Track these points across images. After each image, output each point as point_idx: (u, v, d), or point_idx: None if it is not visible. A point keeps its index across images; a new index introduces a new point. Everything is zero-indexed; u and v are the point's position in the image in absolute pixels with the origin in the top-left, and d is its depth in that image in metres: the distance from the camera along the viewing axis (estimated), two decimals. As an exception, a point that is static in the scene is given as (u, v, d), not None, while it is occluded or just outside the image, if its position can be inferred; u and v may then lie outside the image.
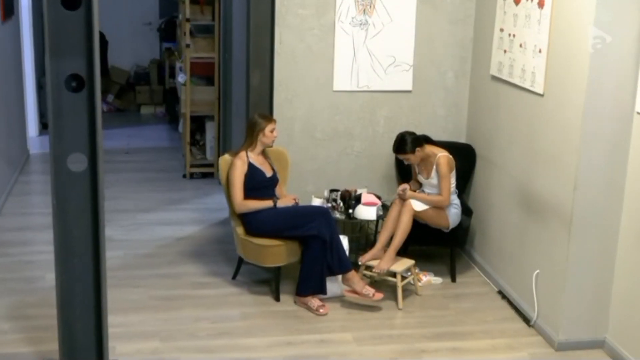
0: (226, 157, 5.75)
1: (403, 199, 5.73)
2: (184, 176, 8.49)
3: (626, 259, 4.79)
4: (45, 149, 8.80)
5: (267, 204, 5.51)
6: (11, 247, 6.36)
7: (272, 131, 5.58)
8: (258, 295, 5.65)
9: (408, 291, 5.75)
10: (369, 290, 5.44)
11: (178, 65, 9.47)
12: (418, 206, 5.73)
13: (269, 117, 5.68)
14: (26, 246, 6.39)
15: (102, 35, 10.81)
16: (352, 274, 5.49)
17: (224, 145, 8.16)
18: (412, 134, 5.81)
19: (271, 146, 5.73)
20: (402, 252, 5.79)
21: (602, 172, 4.75)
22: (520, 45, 5.43)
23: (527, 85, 5.34)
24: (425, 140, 5.85)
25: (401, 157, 5.87)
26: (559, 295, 5.00)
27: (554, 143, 5.02)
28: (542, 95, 5.16)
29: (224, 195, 5.81)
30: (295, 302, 5.53)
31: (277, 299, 5.56)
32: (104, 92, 11.18)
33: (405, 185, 5.80)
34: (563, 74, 4.89)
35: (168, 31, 11.48)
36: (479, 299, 5.75)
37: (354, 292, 5.48)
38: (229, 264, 6.03)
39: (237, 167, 5.51)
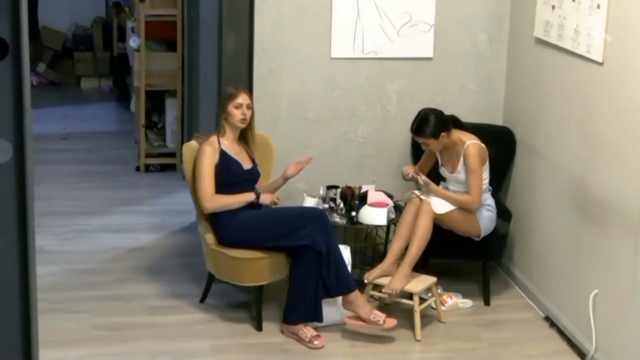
0: (192, 144, 5.74)
1: (419, 186, 5.74)
2: (138, 169, 8.49)
3: None
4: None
5: (246, 197, 5.51)
6: None
7: (237, 107, 5.53)
8: (234, 324, 5.65)
9: (428, 317, 5.75)
10: (379, 316, 5.44)
11: (129, 25, 9.45)
12: (440, 207, 5.73)
13: (236, 87, 5.62)
14: None
15: (30, -13, 10.78)
16: (356, 296, 5.50)
17: (189, 129, 8.16)
18: (439, 113, 5.80)
19: (242, 127, 5.64)
20: (421, 267, 5.80)
21: (680, 164, 4.76)
22: (573, 0, 5.44)
23: (581, 51, 5.34)
24: (453, 123, 5.85)
25: (420, 140, 5.85)
26: (623, 322, 5.00)
27: (617, 127, 5.02)
28: (601, 64, 5.16)
29: (189, 193, 5.80)
30: (282, 332, 5.54)
31: (259, 328, 5.56)
32: (34, 61, 11.16)
33: (409, 169, 5.83)
34: (629, 37, 4.89)
35: (116, -19, 11.49)
36: (520, 327, 5.76)
37: (359, 318, 5.49)
38: (196, 283, 6.03)
39: (206, 154, 5.50)
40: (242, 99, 5.54)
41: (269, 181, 5.88)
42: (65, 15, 12.07)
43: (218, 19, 6.69)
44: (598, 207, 5.25)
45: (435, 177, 5.95)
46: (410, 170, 5.91)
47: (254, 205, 5.55)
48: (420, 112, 5.83)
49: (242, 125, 5.59)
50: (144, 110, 8.52)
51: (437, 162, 6.00)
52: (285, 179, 5.73)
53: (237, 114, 5.52)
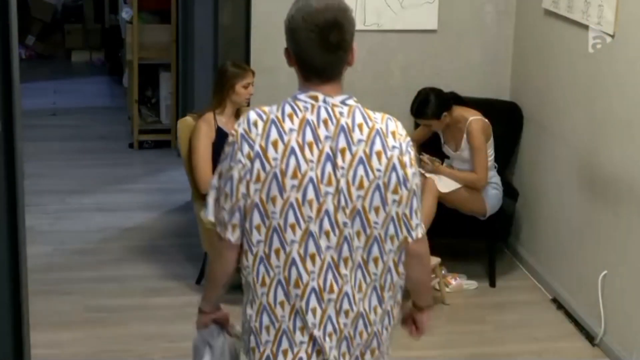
0: (187, 120, 5.75)
1: (428, 171, 5.75)
2: (131, 146, 8.49)
3: None
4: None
5: None
6: None
7: (245, 87, 5.57)
8: (231, 306, 5.62)
9: (433, 299, 5.76)
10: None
11: (122, -4, 9.43)
12: (445, 186, 5.74)
13: (243, 66, 5.67)
14: None
15: (19, -44, 10.75)
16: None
17: (184, 104, 8.15)
18: (439, 92, 5.81)
19: (247, 106, 5.72)
20: (424, 248, 5.80)
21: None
22: (584, -31, 5.43)
23: (592, 23, 5.34)
24: (454, 100, 5.85)
25: (422, 122, 5.88)
26: (633, 304, 5.02)
27: (628, 102, 5.02)
28: (612, 36, 5.15)
29: (184, 171, 5.81)
30: (280, 315, 5.54)
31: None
32: (22, 33, 11.13)
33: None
34: (641, 8, 4.89)
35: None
36: (526, 309, 5.79)
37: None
38: (192, 264, 6.04)
39: (201, 131, 5.51)
40: (250, 78, 5.60)
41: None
42: (55, -15, 12.04)
43: (214, -10, 6.69)
44: (608, 185, 5.25)
45: (438, 155, 5.96)
46: None
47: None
48: (419, 93, 5.83)
49: (247, 104, 5.65)
50: (137, 84, 8.50)
51: (439, 139, 6.01)
52: None
53: (244, 93, 5.58)
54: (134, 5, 8.32)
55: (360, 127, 3.09)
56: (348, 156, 3.01)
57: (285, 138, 3.00)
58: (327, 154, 3.00)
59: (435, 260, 5.74)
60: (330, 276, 3.05)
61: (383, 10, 6.23)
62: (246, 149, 3.03)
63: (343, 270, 3.06)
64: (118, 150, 8.41)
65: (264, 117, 3.05)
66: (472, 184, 5.80)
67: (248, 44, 6.19)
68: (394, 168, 3.05)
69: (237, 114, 5.66)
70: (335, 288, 3.06)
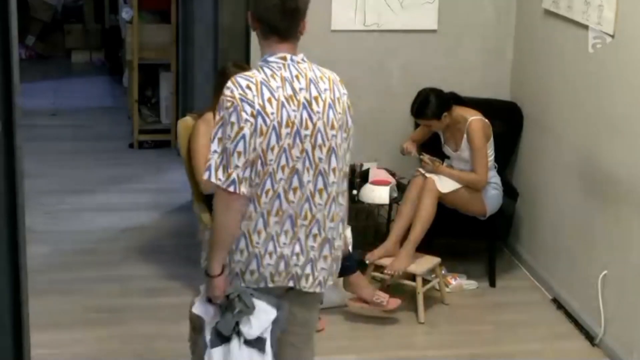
0: (187, 120, 5.75)
1: (428, 171, 5.76)
2: (131, 146, 8.49)
3: None
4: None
5: None
6: None
7: None
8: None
9: (432, 299, 5.77)
10: (382, 297, 5.46)
11: (122, -4, 9.43)
12: (445, 186, 5.74)
13: (244, 66, 5.66)
14: None
15: (19, -44, 10.74)
16: (357, 277, 5.51)
17: (184, 104, 8.15)
18: (439, 92, 5.81)
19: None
20: (424, 248, 5.80)
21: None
22: (584, -31, 5.43)
23: (592, 23, 5.33)
24: (454, 100, 5.86)
25: (422, 122, 5.88)
26: (633, 303, 5.01)
27: (629, 101, 5.02)
28: (612, 36, 5.15)
29: (184, 171, 5.80)
30: (280, 315, 5.55)
31: (257, 310, 5.57)
32: (22, 33, 11.13)
33: (410, 147, 5.86)
34: (641, 8, 4.89)
35: (108, -52, 11.46)
36: (526, 309, 5.79)
37: (361, 300, 5.50)
38: (192, 264, 6.02)
39: (201, 132, 5.51)
40: None
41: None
42: (55, -15, 12.03)
43: (214, -11, 6.69)
44: (608, 185, 5.25)
45: (438, 155, 5.96)
46: (412, 148, 5.93)
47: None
48: (419, 94, 5.83)
49: None
50: (137, 84, 8.50)
51: (439, 139, 6.01)
52: None
53: None
54: (134, 5, 8.32)
55: (322, 78, 3.65)
56: (320, 103, 3.60)
57: (276, 94, 3.51)
58: (303, 103, 3.56)
59: (435, 260, 5.74)
60: (306, 205, 3.59)
61: (383, 11, 6.23)
62: (248, 109, 3.47)
63: (318, 200, 3.61)
64: (118, 150, 8.41)
65: (253, 80, 3.53)
66: (472, 184, 5.80)
67: (248, 44, 6.19)
68: (346, 111, 3.73)
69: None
70: (309, 215, 3.60)
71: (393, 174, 6.07)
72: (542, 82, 6.07)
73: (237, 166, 3.46)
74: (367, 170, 6.01)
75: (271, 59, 3.58)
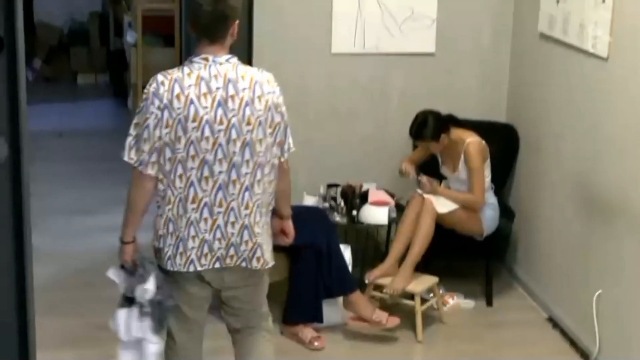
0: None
1: (426, 192, 5.76)
2: (135, 167, 8.49)
3: None
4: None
5: None
6: None
7: None
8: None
9: (430, 318, 5.76)
10: (381, 316, 5.45)
11: (126, 19, 9.47)
12: (443, 206, 5.74)
13: None
14: None
15: (26, -19, 10.78)
16: (357, 296, 5.51)
17: (188, 126, 8.16)
18: (437, 114, 5.82)
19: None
20: (423, 267, 5.80)
21: (686, 162, 4.77)
22: (578, -6, 5.44)
23: (587, 47, 5.35)
24: (451, 122, 5.87)
25: (421, 144, 5.89)
26: (627, 322, 5.01)
27: (623, 124, 5.02)
28: (606, 60, 5.16)
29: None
30: (281, 333, 5.54)
31: (258, 328, 5.57)
32: (29, 56, 11.16)
33: (409, 169, 5.86)
34: (634, 31, 4.89)
35: (113, -26, 11.49)
36: (523, 328, 5.78)
37: (360, 319, 5.50)
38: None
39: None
40: None
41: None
42: (61, 10, 12.06)
43: (217, 14, 6.69)
44: (603, 206, 5.25)
45: (436, 176, 5.97)
46: (410, 169, 5.93)
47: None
48: (417, 115, 5.84)
49: None
50: (142, 106, 8.51)
51: (437, 161, 6.02)
52: None
53: None
54: (138, 29, 8.36)
55: (243, 77, 3.92)
56: (237, 100, 3.88)
57: (186, 92, 3.85)
58: (218, 101, 3.86)
59: (433, 279, 5.74)
60: (220, 194, 3.92)
61: (382, 34, 6.25)
62: (157, 102, 3.87)
63: (231, 190, 3.92)
64: (122, 171, 8.35)
65: (168, 77, 3.94)
66: (470, 204, 5.80)
67: (250, 63, 6.19)
68: (271, 108, 3.97)
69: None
70: (224, 203, 3.93)
71: (392, 195, 6.07)
72: (538, 105, 6.08)
73: (143, 150, 3.90)
74: (367, 191, 6.01)
75: (195, 59, 3.95)
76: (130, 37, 8.85)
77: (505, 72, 6.49)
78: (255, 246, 4.02)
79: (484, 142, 5.84)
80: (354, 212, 5.94)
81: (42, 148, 8.67)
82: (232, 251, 3.98)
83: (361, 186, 6.06)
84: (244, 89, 3.91)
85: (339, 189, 6.03)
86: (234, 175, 3.91)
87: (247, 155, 3.91)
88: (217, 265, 3.98)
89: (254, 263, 4.04)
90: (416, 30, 6.30)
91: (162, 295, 4.05)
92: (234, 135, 3.88)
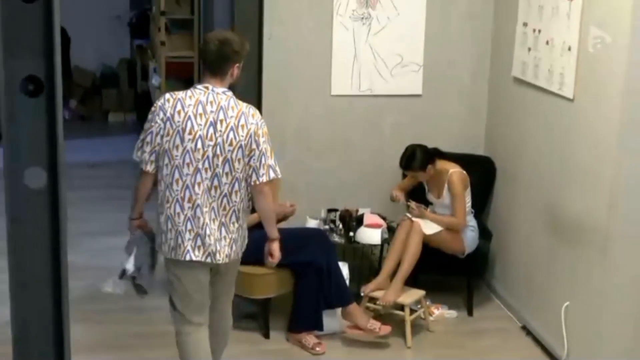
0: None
1: (415, 216, 5.76)
2: (159, 194, 8.49)
3: (670, 289, 4.80)
4: (-3, 162, 8.81)
5: (252, 218, 5.22)
6: (-42, 276, 6.35)
7: None
8: (244, 332, 5.65)
9: (418, 326, 5.75)
10: (374, 324, 5.44)
11: (152, 65, 9.49)
12: (429, 228, 5.74)
13: None
14: (-25, 275, 6.37)
15: (63, 31, 10.83)
16: (354, 307, 5.50)
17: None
18: (424, 148, 5.83)
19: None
20: (411, 282, 5.79)
21: (642, 189, 4.77)
22: (547, 42, 5.45)
23: (554, 89, 5.36)
24: (436, 154, 5.88)
25: (410, 174, 5.90)
26: (592, 330, 4.99)
27: (587, 155, 5.03)
28: (571, 100, 5.17)
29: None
30: (287, 340, 5.53)
31: (267, 335, 5.56)
32: (66, 97, 11.19)
33: (399, 196, 5.86)
34: (596, 75, 4.91)
35: (140, 26, 11.52)
36: (500, 335, 5.76)
37: (357, 327, 5.48)
38: (210, 296, 6.02)
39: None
40: None
41: (276, 202, 5.90)
42: (95, 56, 12.10)
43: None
44: (570, 228, 5.25)
45: (423, 202, 5.97)
46: (400, 196, 5.94)
47: (259, 225, 5.54)
48: (407, 149, 5.85)
49: None
50: (165, 141, 8.52)
51: (423, 188, 6.02)
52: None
53: None
54: (162, 74, 8.38)
55: (232, 108, 4.24)
56: (224, 124, 4.19)
57: (186, 110, 4.19)
58: (211, 122, 4.19)
59: (420, 292, 5.73)
60: (206, 196, 4.23)
61: (375, 78, 6.27)
62: (162, 114, 4.23)
63: (213, 193, 4.24)
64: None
65: (174, 96, 4.25)
66: (453, 226, 5.80)
67: (260, 106, 6.21)
68: (251, 136, 4.22)
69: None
70: (209, 205, 4.24)
71: (384, 218, 6.07)
72: (512, 139, 6.09)
73: (144, 151, 4.29)
74: (362, 215, 6.01)
75: (198, 86, 4.29)
76: (155, 80, 8.88)
77: (484, 111, 6.50)
78: (232, 242, 4.35)
79: (465, 172, 5.85)
80: (351, 234, 5.93)
81: (76, 177, 8.68)
82: (218, 246, 4.30)
83: (357, 210, 6.06)
84: (232, 116, 4.21)
85: (338, 213, 6.03)
86: (215, 183, 4.22)
87: (226, 169, 4.22)
88: (209, 260, 4.30)
89: (232, 257, 4.39)
90: (405, 75, 6.32)
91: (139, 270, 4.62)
92: (218, 151, 4.19)
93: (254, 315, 5.81)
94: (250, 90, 6.29)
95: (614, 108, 4.72)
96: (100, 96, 11.92)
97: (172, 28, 8.54)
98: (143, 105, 10.91)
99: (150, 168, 4.29)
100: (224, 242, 4.31)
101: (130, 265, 4.54)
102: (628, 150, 4.72)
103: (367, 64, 6.23)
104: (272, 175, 4.29)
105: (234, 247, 4.37)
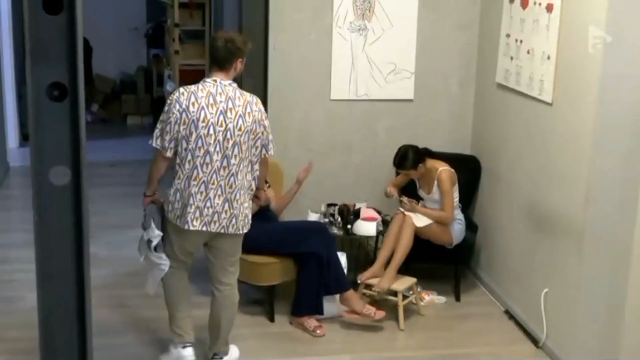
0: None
1: (407, 210, 5.75)
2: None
3: (640, 277, 4.79)
4: (26, 161, 8.79)
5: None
6: (-10, 265, 6.35)
7: None
8: (251, 316, 5.65)
9: (410, 311, 5.74)
10: (370, 309, 5.44)
11: (166, 73, 9.49)
12: (420, 221, 5.74)
13: None
14: (6, 264, 6.37)
15: (86, 41, 10.82)
16: (351, 294, 5.49)
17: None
18: (415, 148, 5.83)
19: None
20: (404, 270, 5.79)
21: (615, 185, 4.76)
22: (528, 52, 5.44)
23: (534, 94, 5.35)
24: (427, 154, 5.87)
25: (402, 172, 5.89)
26: (569, 315, 4.99)
27: (564, 155, 5.02)
28: (550, 105, 5.16)
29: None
30: (290, 323, 5.53)
31: (272, 319, 5.56)
32: (88, 102, 11.19)
33: (393, 191, 5.86)
34: (573, 82, 4.90)
35: (156, 37, 11.52)
36: (484, 319, 5.75)
37: (354, 312, 5.48)
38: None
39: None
40: None
41: (282, 195, 5.91)
42: (114, 65, 12.11)
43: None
44: (549, 222, 5.25)
45: (414, 197, 5.97)
46: (394, 192, 5.93)
47: (265, 219, 5.54)
48: (399, 149, 5.85)
49: None
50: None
51: (415, 185, 6.02)
52: (299, 182, 5.79)
53: None
54: (175, 80, 8.38)
55: (239, 98, 4.47)
56: (233, 112, 4.42)
57: (199, 101, 4.39)
58: (221, 110, 4.41)
59: (412, 280, 5.73)
60: (214, 176, 4.44)
61: (371, 84, 6.26)
62: (177, 106, 4.40)
63: (222, 173, 4.44)
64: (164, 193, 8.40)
65: (187, 90, 4.44)
66: (442, 220, 5.80)
67: (265, 109, 6.20)
68: (256, 121, 4.50)
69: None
70: (216, 182, 4.45)
71: (379, 212, 6.07)
72: (496, 140, 6.08)
73: (164, 139, 4.44)
74: (359, 209, 6.01)
75: (208, 80, 4.47)
76: (169, 86, 8.88)
77: (470, 114, 6.49)
78: (232, 216, 4.53)
79: (453, 170, 5.85)
80: (349, 226, 5.93)
81: (98, 175, 8.69)
82: (215, 217, 4.49)
83: (354, 205, 6.06)
84: (239, 105, 4.45)
85: (337, 208, 6.03)
86: (224, 164, 4.43)
87: (235, 151, 4.44)
88: (204, 229, 4.51)
89: (230, 229, 4.56)
90: (398, 81, 6.32)
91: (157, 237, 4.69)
92: (228, 135, 4.41)
93: (261, 301, 5.80)
94: (257, 96, 6.29)
95: (589, 112, 4.72)
96: (119, 101, 11.91)
97: (185, 38, 8.53)
98: (159, 109, 10.89)
99: (170, 154, 4.47)
100: (224, 215, 4.52)
101: (155, 233, 4.64)
102: (602, 151, 4.72)
103: (363, 71, 6.22)
104: (271, 151, 4.65)
105: (233, 221, 4.54)
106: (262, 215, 5.54)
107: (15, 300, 5.69)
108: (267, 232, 5.50)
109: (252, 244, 5.48)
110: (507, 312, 5.80)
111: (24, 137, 9.77)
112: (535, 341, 5.35)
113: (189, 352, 4.88)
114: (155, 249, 4.72)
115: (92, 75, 11.80)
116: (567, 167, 4.98)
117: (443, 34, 6.31)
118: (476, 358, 5.21)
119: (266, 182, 5.68)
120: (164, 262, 4.71)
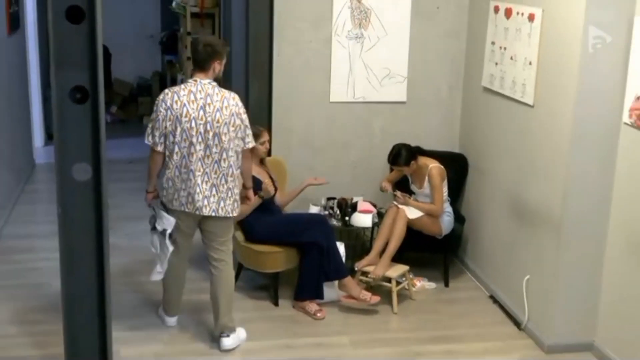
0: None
1: (400, 203, 5.75)
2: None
3: (614, 265, 4.79)
4: (50, 159, 8.78)
5: (254, 202, 5.31)
6: (18, 254, 6.34)
7: (262, 144, 5.54)
8: (257, 300, 5.64)
9: (403, 296, 5.74)
10: (366, 295, 5.44)
11: (179, 77, 9.47)
12: (412, 214, 5.73)
13: (259, 130, 5.61)
14: (32, 253, 6.37)
15: (105, 48, 10.81)
16: (349, 280, 5.49)
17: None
18: (408, 146, 5.82)
19: (268, 156, 5.75)
20: (397, 259, 5.78)
21: (591, 181, 4.76)
22: (511, 58, 5.44)
23: (517, 97, 5.35)
24: (419, 152, 5.87)
25: (396, 168, 5.89)
26: (548, 300, 4.99)
27: (544, 153, 5.02)
28: (532, 107, 5.16)
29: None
30: (293, 307, 5.52)
31: (276, 303, 5.55)
32: (107, 104, 11.15)
33: (387, 186, 5.86)
34: (553, 86, 4.89)
35: (170, 44, 11.49)
36: (471, 303, 5.74)
37: (351, 297, 5.48)
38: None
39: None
40: (265, 137, 5.57)
41: (285, 191, 5.91)
42: (132, 70, 12.08)
43: (245, 72, 6.70)
44: (530, 214, 5.24)
45: (407, 191, 5.96)
46: (388, 187, 5.93)
47: (270, 211, 5.54)
48: (393, 147, 5.85)
49: (265, 155, 5.65)
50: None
51: (408, 180, 6.01)
52: (306, 185, 5.86)
53: (261, 148, 5.54)
54: (188, 84, 8.35)
55: (217, 94, 4.59)
56: (212, 107, 4.55)
57: (181, 99, 4.55)
58: (200, 106, 4.54)
59: (405, 267, 5.73)
60: (199, 164, 4.59)
61: (367, 88, 6.25)
62: (164, 105, 4.59)
63: (206, 161, 4.59)
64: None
65: (171, 90, 4.60)
66: (432, 212, 5.79)
67: (270, 112, 6.20)
68: (233, 114, 4.60)
69: (261, 162, 5.66)
70: (202, 169, 4.60)
71: (375, 205, 6.06)
72: (482, 140, 6.08)
73: (154, 135, 4.64)
74: (356, 203, 6.00)
75: (189, 80, 4.61)
76: (182, 89, 8.87)
77: (458, 115, 6.48)
78: (220, 199, 4.66)
79: (442, 166, 5.84)
80: (347, 218, 5.93)
81: (116, 171, 8.67)
82: (205, 202, 4.63)
83: (352, 199, 6.05)
84: (217, 100, 4.56)
85: (336, 201, 6.02)
86: (207, 152, 4.57)
87: (215, 141, 4.57)
88: (197, 212, 4.67)
89: (220, 212, 4.68)
90: (392, 85, 6.30)
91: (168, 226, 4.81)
92: (208, 127, 4.54)
93: (266, 286, 5.80)
94: (262, 100, 6.28)
95: (568, 113, 4.71)
96: (136, 103, 11.89)
97: (196, 46, 8.50)
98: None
99: (160, 148, 4.63)
100: (212, 199, 4.65)
101: (170, 221, 4.76)
102: (579, 149, 4.72)
103: (360, 75, 6.21)
104: (254, 142, 4.76)
105: (221, 204, 4.67)
106: (268, 208, 5.54)
107: (41, 286, 5.69)
108: (272, 223, 5.50)
109: (258, 234, 5.49)
110: (491, 297, 5.80)
111: (49, 137, 9.77)
112: (517, 323, 5.35)
113: (172, 321, 5.20)
114: (170, 235, 4.81)
115: (111, 79, 11.78)
116: (547, 164, 4.98)
117: (433, 41, 6.30)
118: (463, 338, 5.20)
119: (272, 179, 5.69)
120: (172, 248, 4.86)
